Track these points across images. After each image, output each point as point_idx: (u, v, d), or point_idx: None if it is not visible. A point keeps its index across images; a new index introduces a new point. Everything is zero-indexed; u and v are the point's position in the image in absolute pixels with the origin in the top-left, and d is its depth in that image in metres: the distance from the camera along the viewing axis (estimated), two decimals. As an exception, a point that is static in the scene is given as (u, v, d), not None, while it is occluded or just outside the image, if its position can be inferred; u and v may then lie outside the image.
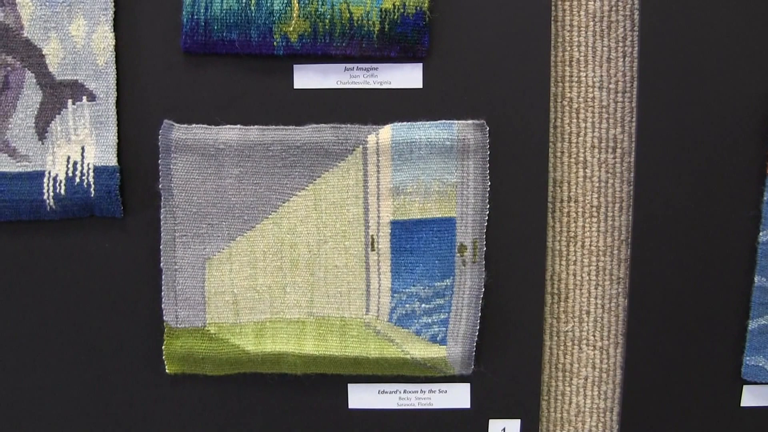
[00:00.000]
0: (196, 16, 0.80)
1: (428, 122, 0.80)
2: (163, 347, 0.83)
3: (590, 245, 0.84)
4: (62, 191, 0.81)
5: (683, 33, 0.80)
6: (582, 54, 0.82)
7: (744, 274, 0.82)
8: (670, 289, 0.83)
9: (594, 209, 0.84)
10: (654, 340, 0.83)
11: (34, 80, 0.80)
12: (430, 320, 0.82)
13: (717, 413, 0.85)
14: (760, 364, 0.83)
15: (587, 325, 0.85)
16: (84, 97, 0.81)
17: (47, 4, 0.80)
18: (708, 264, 0.82)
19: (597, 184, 0.83)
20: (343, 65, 0.81)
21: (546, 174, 0.82)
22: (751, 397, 0.85)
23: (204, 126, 0.81)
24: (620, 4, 0.81)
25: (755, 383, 0.84)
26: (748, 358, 0.83)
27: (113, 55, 0.80)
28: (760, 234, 0.82)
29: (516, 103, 0.81)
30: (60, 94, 0.80)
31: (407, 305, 0.82)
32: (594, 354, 0.86)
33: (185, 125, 0.81)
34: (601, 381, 0.86)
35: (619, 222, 0.84)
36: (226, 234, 0.82)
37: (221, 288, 0.82)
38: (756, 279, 0.82)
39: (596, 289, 0.84)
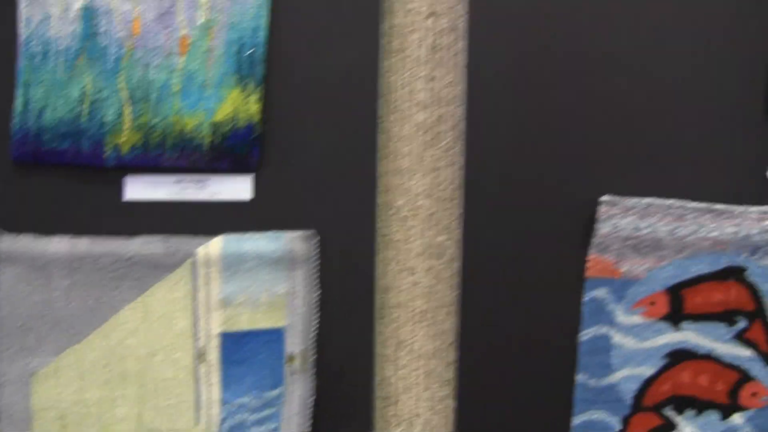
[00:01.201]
0: (26, 125, 0.80)
1: (257, 234, 0.82)
2: (-12, 465, 0.81)
3: (419, 349, 0.86)
4: None
5: (506, 143, 0.83)
6: (409, 164, 0.84)
7: (567, 372, 0.85)
8: (498, 391, 0.85)
9: (421, 314, 0.86)
10: (484, 440, 0.86)
11: None
12: (260, 430, 0.82)
13: None
14: (586, 461, 0.86)
15: (417, 427, 0.87)
16: None
17: None
18: (533, 363, 0.86)
19: (424, 290, 0.86)
20: (173, 177, 0.82)
21: (373, 281, 0.84)
22: (580, 491, 0.88)
23: (33, 236, 0.81)
24: (446, 115, 0.84)
25: (583, 478, 0.87)
26: (574, 454, 0.86)
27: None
28: (581, 333, 0.86)
29: (344, 213, 0.83)
30: None
31: (237, 416, 0.82)
32: (431, 453, 0.88)
33: (13, 235, 0.80)
34: (440, 479, 0.88)
35: (447, 326, 0.86)
36: (53, 347, 0.81)
37: (47, 404, 0.81)
38: (578, 377, 0.86)
39: (425, 392, 0.86)
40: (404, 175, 0.85)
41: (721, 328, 0.89)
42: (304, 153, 0.82)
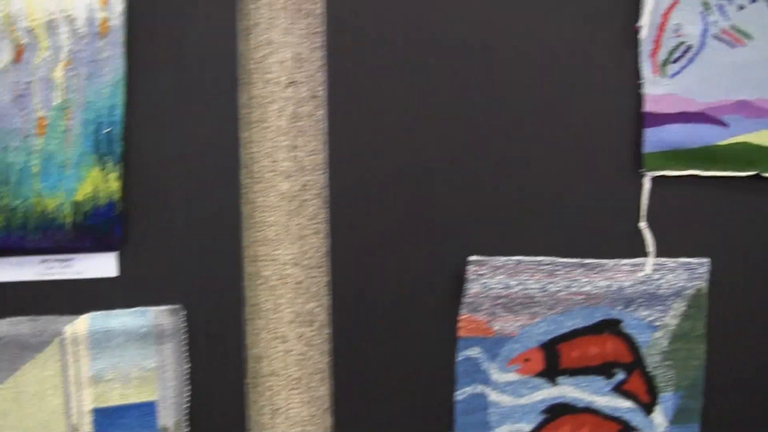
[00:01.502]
0: None
1: (124, 310, 0.82)
2: None
3: (294, 416, 0.87)
4: None
5: (372, 207, 0.84)
6: (275, 233, 0.85)
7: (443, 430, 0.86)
8: (375, 454, 0.86)
9: (295, 381, 0.86)
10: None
11: None
12: (135, 504, 0.83)
13: None
14: None
15: (294, 494, 0.87)
16: None
17: None
18: (410, 425, 0.86)
19: (297, 357, 0.86)
20: (38, 257, 0.82)
21: (243, 351, 0.84)
22: None
23: None
24: (310, 183, 0.85)
25: None
26: None
27: None
28: (456, 393, 0.87)
29: (212, 284, 0.83)
30: None
31: (112, 490, 0.83)
32: None
33: None
34: None
35: (321, 392, 0.87)
36: (-75, 433, 0.82)
37: None
38: (455, 436, 0.87)
39: (302, 459, 0.87)
40: (271, 244, 0.85)
41: (599, 380, 0.90)
42: (168, 227, 0.82)
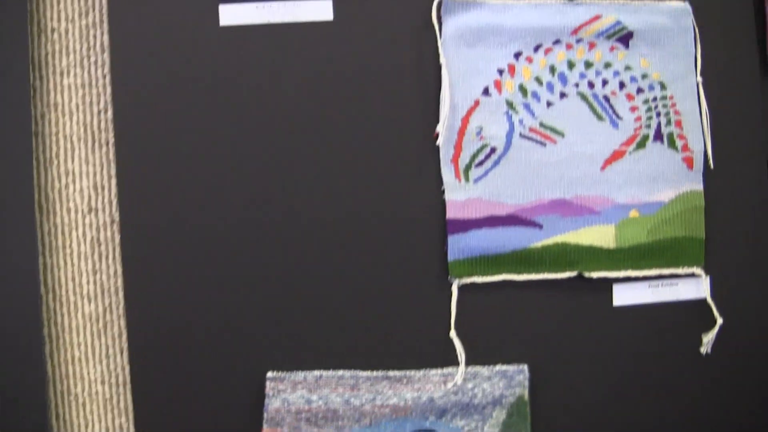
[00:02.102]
0: None
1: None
2: None
3: None
4: None
5: (171, 326, 0.86)
6: (82, 352, 0.88)
7: None
8: None
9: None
10: None
11: None
12: None
13: None
14: None
15: None
16: None
17: None
18: None
19: (104, 475, 0.88)
20: None
21: (49, 472, 0.87)
22: None
23: None
24: (113, 304, 0.88)
25: None
26: None
27: None
28: None
29: (19, 404, 0.86)
30: None
31: None
32: None
33: None
34: None
35: None
36: None
37: None
38: None
39: None
40: (79, 363, 0.88)
41: (412, 493, 0.87)
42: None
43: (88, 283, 0.87)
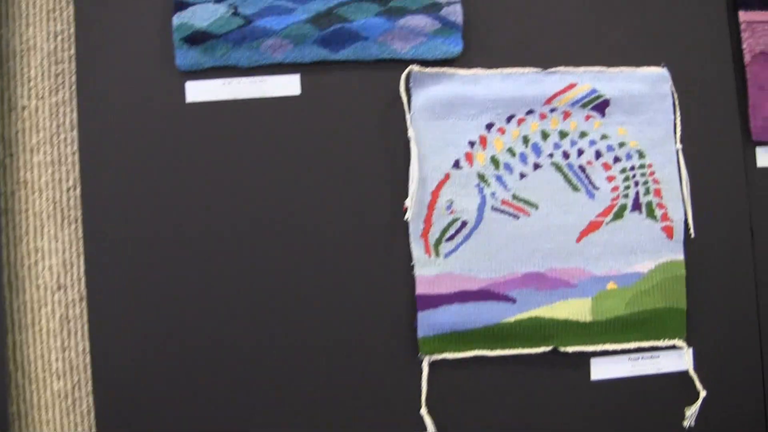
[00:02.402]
0: None
1: None
2: None
3: None
4: None
5: (137, 409, 0.85)
6: (51, 429, 0.88)
7: None
8: None
9: None
10: None
11: None
12: None
13: None
14: None
15: None
16: None
17: None
18: None
19: None
20: None
21: None
22: None
23: None
24: (81, 382, 0.87)
25: None
26: None
27: None
28: None
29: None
30: None
31: None
32: None
33: None
34: None
35: None
36: None
37: None
38: None
39: None
40: (46, 440, 0.88)
41: None
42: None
43: (57, 360, 0.87)
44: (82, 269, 0.87)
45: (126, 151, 0.85)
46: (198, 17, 0.84)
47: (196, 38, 0.84)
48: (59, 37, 0.88)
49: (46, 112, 0.88)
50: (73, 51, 0.87)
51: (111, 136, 0.85)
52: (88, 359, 0.87)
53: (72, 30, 0.87)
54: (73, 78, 0.86)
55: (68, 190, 0.88)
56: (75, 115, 0.87)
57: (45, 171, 0.88)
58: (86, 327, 0.88)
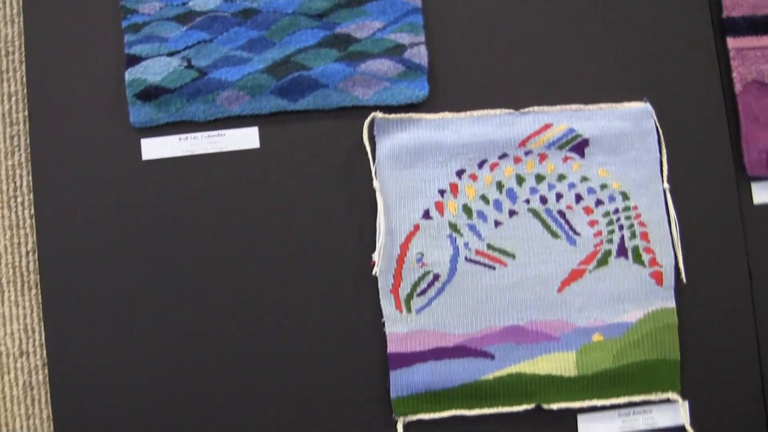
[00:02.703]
0: None
1: None
2: None
3: None
4: None
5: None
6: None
7: None
8: None
9: None
10: None
11: None
12: None
13: None
14: None
15: None
16: None
17: None
18: None
19: None
20: None
21: None
22: None
23: None
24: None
25: None
26: None
27: None
28: None
29: None
30: None
31: None
32: None
33: None
34: None
35: None
36: None
37: None
38: None
39: None
40: None
41: None
42: None
43: (21, 428, 0.85)
44: (43, 335, 0.85)
45: (83, 212, 0.82)
46: (151, 72, 0.81)
47: (150, 93, 0.81)
48: (13, 98, 0.85)
49: (3, 174, 0.86)
50: (26, 112, 0.85)
51: (67, 198, 0.82)
52: (52, 427, 0.85)
53: (25, 91, 0.85)
54: (29, 140, 0.84)
55: (27, 254, 0.86)
56: (31, 177, 0.85)
57: (3, 235, 0.85)
58: (50, 394, 0.85)
